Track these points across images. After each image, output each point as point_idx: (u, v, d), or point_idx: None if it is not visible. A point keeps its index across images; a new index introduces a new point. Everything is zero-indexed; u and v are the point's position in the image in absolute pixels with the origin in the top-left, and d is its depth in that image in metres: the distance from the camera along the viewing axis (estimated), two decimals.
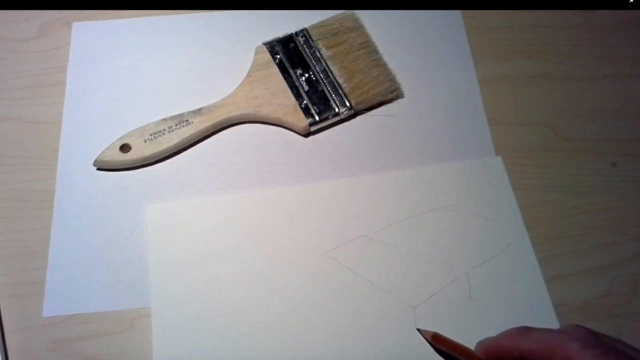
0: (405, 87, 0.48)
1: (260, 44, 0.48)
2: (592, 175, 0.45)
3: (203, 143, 0.45)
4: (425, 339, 0.38)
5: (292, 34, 0.48)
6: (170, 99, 0.47)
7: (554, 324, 0.39)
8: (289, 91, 0.46)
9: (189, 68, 0.49)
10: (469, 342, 0.38)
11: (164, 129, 0.44)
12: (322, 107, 0.45)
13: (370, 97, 0.46)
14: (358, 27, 0.49)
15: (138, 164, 0.44)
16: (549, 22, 0.51)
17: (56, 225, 0.42)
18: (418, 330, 0.38)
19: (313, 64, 0.47)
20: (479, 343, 0.35)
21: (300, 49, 0.48)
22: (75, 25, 0.50)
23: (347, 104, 0.46)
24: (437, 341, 0.37)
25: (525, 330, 0.33)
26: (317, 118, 0.45)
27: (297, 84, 0.46)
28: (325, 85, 0.46)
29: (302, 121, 0.45)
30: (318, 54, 0.47)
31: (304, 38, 0.48)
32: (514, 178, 0.44)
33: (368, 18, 0.50)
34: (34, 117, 0.46)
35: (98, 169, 0.44)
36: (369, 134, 0.46)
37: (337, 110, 0.45)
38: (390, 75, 0.48)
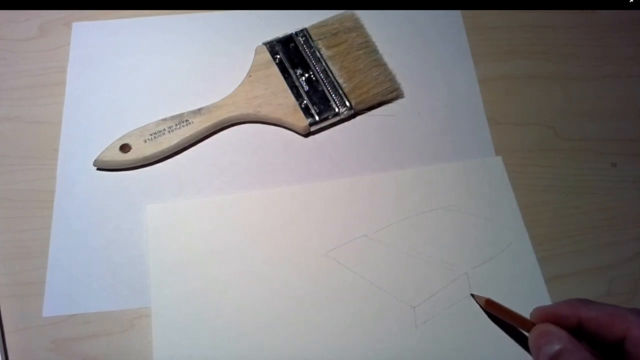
0: (405, 87, 0.48)
1: (260, 44, 0.48)
2: (592, 175, 0.45)
3: (203, 143, 0.45)
4: (479, 304, 0.39)
5: (292, 34, 0.48)
6: (170, 99, 0.47)
7: None
8: (289, 91, 0.46)
9: (189, 68, 0.49)
10: (469, 342, 0.38)
11: (164, 129, 0.44)
12: (322, 107, 0.45)
13: (370, 97, 0.46)
14: (358, 27, 0.49)
15: (138, 164, 0.44)
16: (549, 22, 0.51)
17: (56, 225, 0.42)
18: (472, 295, 0.39)
19: (313, 64, 0.47)
20: (535, 309, 0.36)
21: (300, 49, 0.48)
22: (75, 25, 0.50)
23: (347, 104, 0.46)
24: (490, 307, 0.38)
25: (586, 301, 0.34)
26: (317, 118, 0.45)
27: (297, 84, 0.46)
28: (325, 85, 0.46)
29: (302, 121, 0.45)
30: (318, 54, 0.47)
31: (304, 38, 0.48)
32: (514, 178, 0.44)
33: (368, 18, 0.50)
34: (34, 117, 0.46)
35: (98, 169, 0.44)
36: (369, 134, 0.46)
37: (337, 110, 0.46)
38: (390, 75, 0.48)
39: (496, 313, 0.38)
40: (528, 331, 0.35)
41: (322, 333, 0.38)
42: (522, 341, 0.38)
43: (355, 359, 0.38)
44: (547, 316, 0.35)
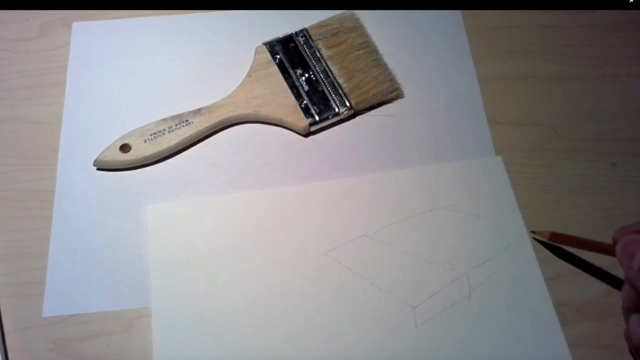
0: (405, 87, 0.48)
1: (260, 44, 0.48)
2: (592, 175, 0.45)
3: (203, 143, 0.45)
4: (540, 240, 0.39)
5: (292, 34, 0.48)
6: (170, 99, 0.47)
7: (554, 324, 0.39)
8: (289, 91, 0.46)
9: (189, 68, 0.49)
10: (469, 342, 0.38)
11: (164, 129, 0.44)
12: (322, 107, 0.45)
13: (370, 97, 0.46)
14: (358, 27, 0.49)
15: (138, 164, 0.44)
16: (549, 22, 0.51)
17: (56, 225, 0.42)
18: (533, 232, 0.40)
19: (313, 64, 0.47)
20: (617, 231, 0.36)
21: (300, 49, 0.48)
22: (75, 25, 0.50)
23: (347, 104, 0.46)
24: (557, 239, 0.38)
25: None
26: (317, 118, 0.45)
27: (297, 84, 0.46)
28: (325, 85, 0.46)
29: (302, 121, 0.45)
30: (318, 54, 0.47)
31: (304, 38, 0.48)
32: (514, 178, 0.44)
33: (368, 18, 0.50)
34: (34, 117, 0.46)
35: (98, 169, 0.44)
36: (369, 134, 0.46)
37: (337, 110, 0.46)
38: (390, 75, 0.48)
39: (565, 244, 0.38)
40: (608, 253, 0.36)
41: (322, 333, 0.38)
42: (522, 341, 0.38)
43: (355, 359, 0.38)
44: (631, 232, 0.35)
